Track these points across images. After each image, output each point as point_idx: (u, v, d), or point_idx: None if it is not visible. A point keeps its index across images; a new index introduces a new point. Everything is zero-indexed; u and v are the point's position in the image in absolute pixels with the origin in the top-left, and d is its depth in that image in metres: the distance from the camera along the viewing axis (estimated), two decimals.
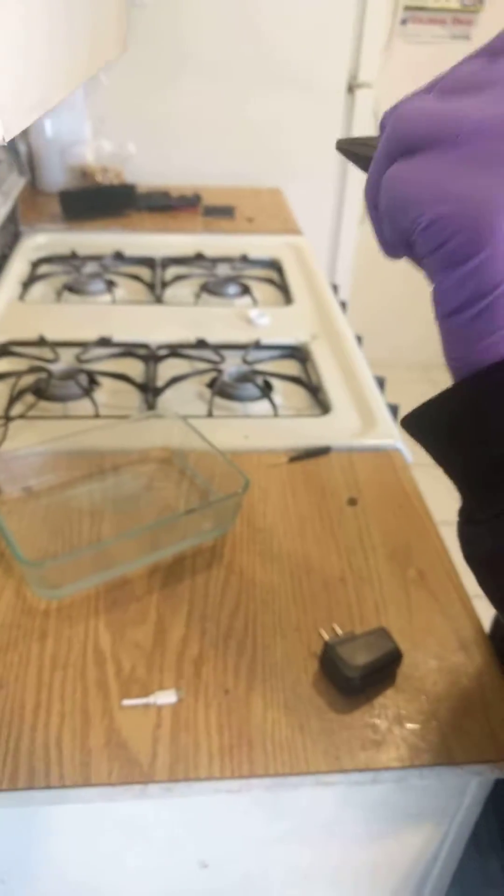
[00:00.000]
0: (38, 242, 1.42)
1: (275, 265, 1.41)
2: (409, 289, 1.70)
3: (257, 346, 1.07)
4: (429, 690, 0.56)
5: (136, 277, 1.31)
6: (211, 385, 0.98)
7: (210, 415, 0.91)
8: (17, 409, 0.89)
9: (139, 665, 0.56)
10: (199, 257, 1.40)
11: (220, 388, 0.96)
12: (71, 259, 1.36)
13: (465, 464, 0.37)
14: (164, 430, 0.80)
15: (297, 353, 1.08)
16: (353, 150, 0.41)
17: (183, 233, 1.51)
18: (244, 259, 1.40)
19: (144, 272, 1.34)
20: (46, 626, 0.60)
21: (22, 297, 1.20)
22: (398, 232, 0.34)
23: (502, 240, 0.30)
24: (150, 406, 0.92)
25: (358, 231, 2.07)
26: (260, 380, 0.98)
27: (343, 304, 1.26)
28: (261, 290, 1.30)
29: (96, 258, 1.36)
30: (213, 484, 0.74)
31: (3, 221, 1.26)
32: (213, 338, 1.08)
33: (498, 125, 0.30)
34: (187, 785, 0.49)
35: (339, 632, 0.59)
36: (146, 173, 1.74)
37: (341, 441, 0.84)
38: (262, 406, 0.94)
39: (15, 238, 1.41)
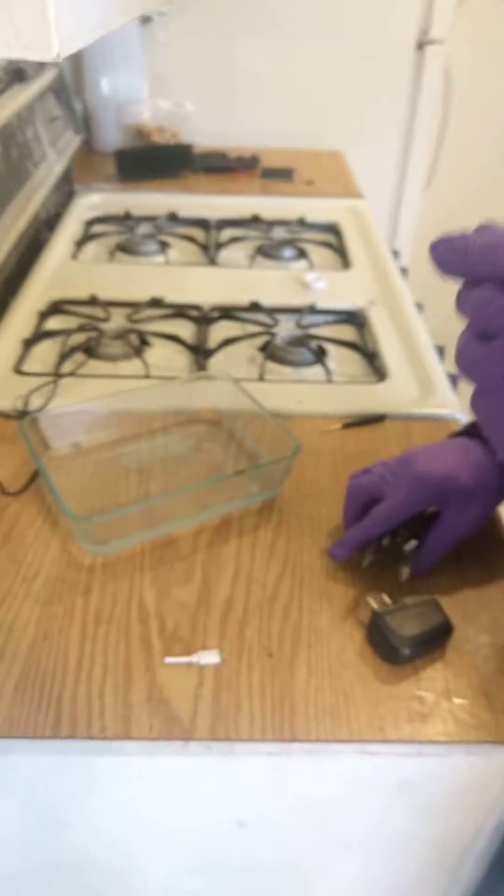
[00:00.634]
0: (92, 202, 1.41)
1: (333, 229, 1.37)
2: None
3: (312, 310, 1.04)
4: (479, 666, 0.54)
5: (189, 239, 1.29)
6: (263, 349, 0.96)
7: (261, 379, 0.89)
8: (67, 366, 0.89)
9: (183, 623, 0.56)
10: (254, 220, 1.37)
11: (273, 352, 0.94)
12: (124, 219, 1.35)
13: None
14: (214, 392, 0.79)
15: (354, 319, 1.05)
16: None
17: (240, 195, 1.48)
18: (301, 222, 1.36)
19: (198, 234, 1.32)
20: (91, 581, 0.59)
21: (75, 256, 1.20)
22: None
23: None
24: (201, 368, 0.91)
25: (421, 197, 2.01)
26: (314, 344, 0.96)
27: (403, 271, 1.21)
28: (318, 253, 1.27)
29: (150, 219, 1.34)
30: (263, 447, 0.73)
31: (58, 180, 1.25)
32: (266, 301, 1.05)
33: None
34: (228, 744, 0.48)
35: (388, 601, 0.57)
36: (204, 134, 1.71)
37: (397, 409, 0.82)
38: (315, 371, 0.92)
39: (69, 197, 1.40)
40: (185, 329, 1.00)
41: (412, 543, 0.60)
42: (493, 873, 0.62)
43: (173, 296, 1.05)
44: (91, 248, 1.25)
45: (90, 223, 1.33)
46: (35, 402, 0.80)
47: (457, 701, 0.51)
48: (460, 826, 0.55)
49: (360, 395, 0.85)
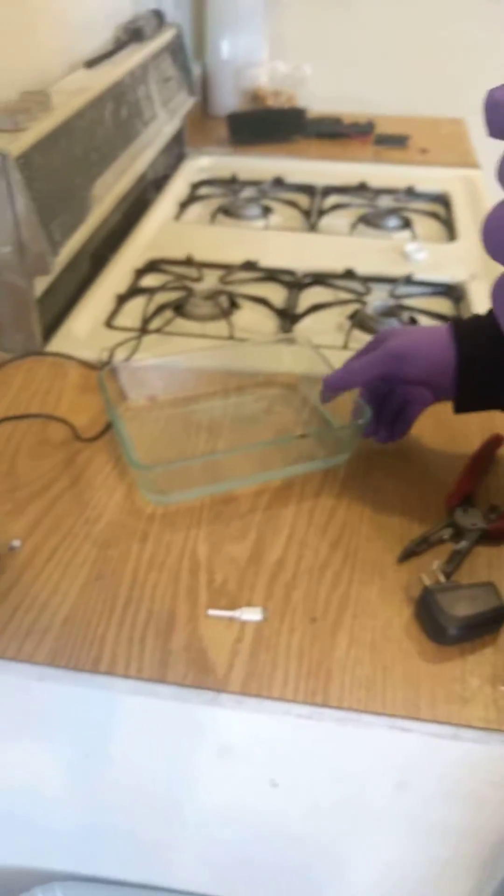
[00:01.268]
0: (201, 165, 1.42)
1: (443, 199, 1.31)
2: None
3: (408, 280, 1.01)
4: None
5: (293, 204, 1.28)
6: (352, 317, 0.94)
7: (346, 347, 0.87)
8: (156, 323, 0.90)
9: (231, 579, 0.56)
10: (361, 187, 1.33)
11: (361, 321, 0.92)
12: (230, 183, 1.35)
13: None
14: (293, 357, 0.78)
15: (452, 292, 1.01)
16: None
17: (350, 161, 1.45)
18: (410, 191, 1.31)
19: (303, 199, 1.30)
20: (149, 529, 0.61)
21: (178, 217, 1.21)
22: None
23: None
24: (287, 332, 0.90)
25: None
26: (406, 315, 0.93)
27: None
28: (423, 224, 1.22)
29: (255, 183, 1.33)
30: (337, 414, 0.71)
31: (168, 142, 1.26)
32: (362, 269, 1.03)
33: None
34: (258, 701, 0.48)
35: (443, 579, 0.55)
36: (320, 98, 1.67)
37: None
38: None
39: (179, 159, 1.41)
40: (276, 293, 0.99)
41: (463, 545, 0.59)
42: None
43: (269, 260, 1.04)
44: (195, 210, 1.26)
45: (196, 185, 1.34)
46: (120, 356, 0.83)
47: (502, 689, 0.49)
48: (493, 817, 0.53)
49: None
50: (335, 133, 1.55)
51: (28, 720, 0.55)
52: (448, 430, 0.72)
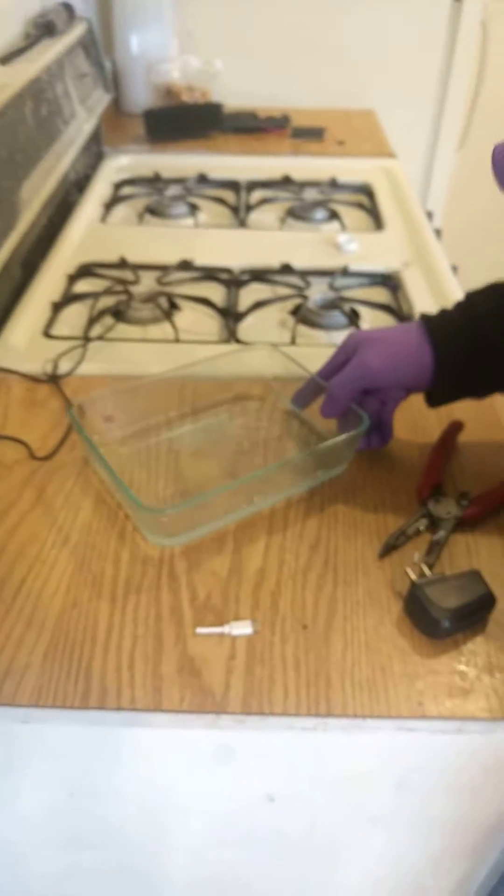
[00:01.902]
0: (121, 164, 1.38)
1: (365, 190, 1.32)
2: None
3: (345, 272, 1.01)
4: None
5: (219, 200, 1.26)
6: (295, 312, 0.93)
7: (293, 342, 0.87)
8: (96, 330, 0.87)
9: (214, 593, 0.54)
10: (285, 181, 1.32)
11: (305, 316, 0.91)
12: (154, 181, 1.31)
13: None
14: (254, 361, 0.75)
15: (388, 281, 1.02)
16: None
17: (270, 155, 1.44)
18: (333, 183, 1.32)
19: (229, 195, 1.28)
20: (121, 548, 0.58)
21: (104, 218, 1.17)
22: None
23: None
24: (231, 332, 0.88)
25: (455, 157, 1.93)
26: (347, 307, 0.93)
27: (438, 232, 1.17)
28: (350, 215, 1.23)
29: (179, 181, 1.30)
30: (315, 418, 0.68)
31: (87, 140, 1.22)
32: (297, 263, 1.02)
33: None
34: (261, 719, 0.47)
35: (428, 572, 0.55)
36: (233, 93, 1.65)
37: None
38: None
39: (98, 159, 1.37)
40: (215, 292, 0.97)
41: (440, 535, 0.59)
42: None
43: (203, 258, 1.02)
44: (120, 211, 1.22)
45: (119, 185, 1.30)
46: (64, 366, 0.79)
47: (500, 676, 0.49)
48: (488, 804, 0.53)
49: None
50: (252, 127, 1.54)
51: (11, 764, 0.52)
52: (408, 419, 0.72)
